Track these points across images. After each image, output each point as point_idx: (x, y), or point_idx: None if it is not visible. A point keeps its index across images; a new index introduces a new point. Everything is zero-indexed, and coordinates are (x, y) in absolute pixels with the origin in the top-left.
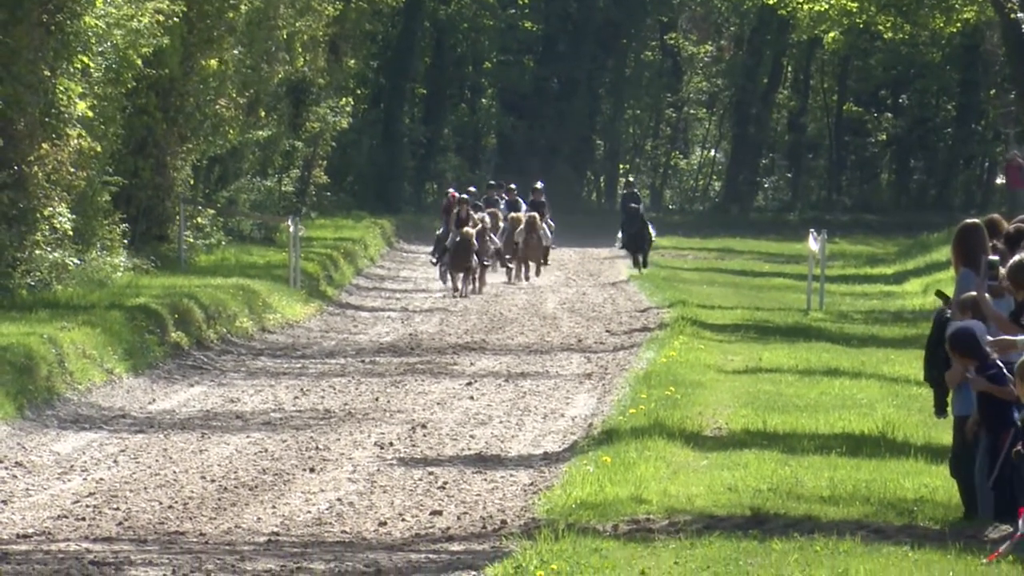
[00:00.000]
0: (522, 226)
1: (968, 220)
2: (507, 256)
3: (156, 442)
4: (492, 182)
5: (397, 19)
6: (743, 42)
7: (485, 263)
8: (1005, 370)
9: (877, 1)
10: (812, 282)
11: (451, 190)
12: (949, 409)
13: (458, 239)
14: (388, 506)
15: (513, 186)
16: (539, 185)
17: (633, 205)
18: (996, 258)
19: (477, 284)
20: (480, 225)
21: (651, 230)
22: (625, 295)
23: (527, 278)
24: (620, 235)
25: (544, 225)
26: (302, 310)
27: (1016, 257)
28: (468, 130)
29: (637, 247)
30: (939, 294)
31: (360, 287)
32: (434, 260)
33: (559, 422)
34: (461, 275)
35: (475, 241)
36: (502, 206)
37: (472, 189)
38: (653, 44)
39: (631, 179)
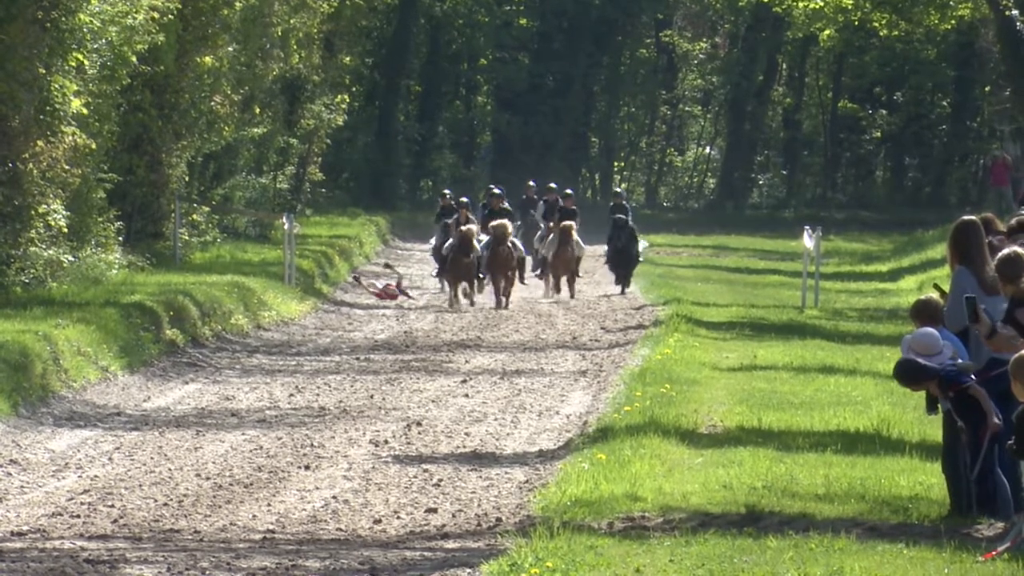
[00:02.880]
0: (549, 236)
1: (965, 217)
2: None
3: (151, 439)
4: (497, 191)
5: (392, 16)
6: (738, 39)
7: (481, 275)
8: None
9: None
10: (807, 279)
11: (447, 191)
12: (939, 406)
13: (456, 242)
14: (383, 504)
15: (498, 191)
16: (569, 191)
17: (620, 216)
18: (974, 296)
19: (503, 299)
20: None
21: (639, 246)
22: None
23: (557, 291)
24: (606, 249)
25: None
26: (297, 307)
27: (1005, 251)
28: (463, 127)
29: (620, 263)
30: (936, 287)
31: (355, 284)
32: (435, 274)
33: (554, 419)
34: (464, 284)
35: (476, 243)
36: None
37: (497, 191)
38: (648, 41)
39: (618, 190)
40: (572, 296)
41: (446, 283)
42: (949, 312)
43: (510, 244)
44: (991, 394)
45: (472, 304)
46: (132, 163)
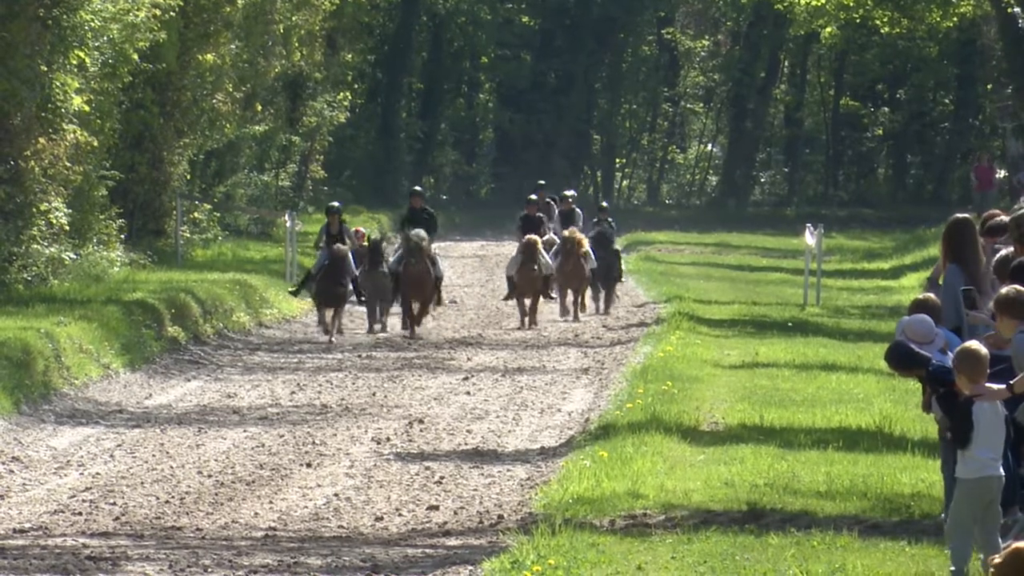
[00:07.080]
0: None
1: (958, 215)
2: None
3: (153, 437)
4: (417, 188)
5: (394, 13)
6: (740, 37)
7: (354, 298)
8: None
9: None
10: (809, 277)
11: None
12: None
13: (327, 261)
14: (385, 501)
15: (418, 188)
16: (569, 192)
17: (602, 232)
18: (971, 287)
19: (414, 325)
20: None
21: (622, 263)
22: (622, 290)
23: (574, 315)
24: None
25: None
26: (299, 305)
27: (1003, 251)
28: (465, 124)
29: (601, 279)
30: (933, 282)
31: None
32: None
33: (556, 417)
34: (332, 310)
35: (350, 261)
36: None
37: (417, 188)
38: (650, 38)
39: (605, 204)
40: (535, 324)
41: (318, 310)
42: (942, 310)
43: (427, 260)
44: None
45: (341, 333)
46: (134, 161)
